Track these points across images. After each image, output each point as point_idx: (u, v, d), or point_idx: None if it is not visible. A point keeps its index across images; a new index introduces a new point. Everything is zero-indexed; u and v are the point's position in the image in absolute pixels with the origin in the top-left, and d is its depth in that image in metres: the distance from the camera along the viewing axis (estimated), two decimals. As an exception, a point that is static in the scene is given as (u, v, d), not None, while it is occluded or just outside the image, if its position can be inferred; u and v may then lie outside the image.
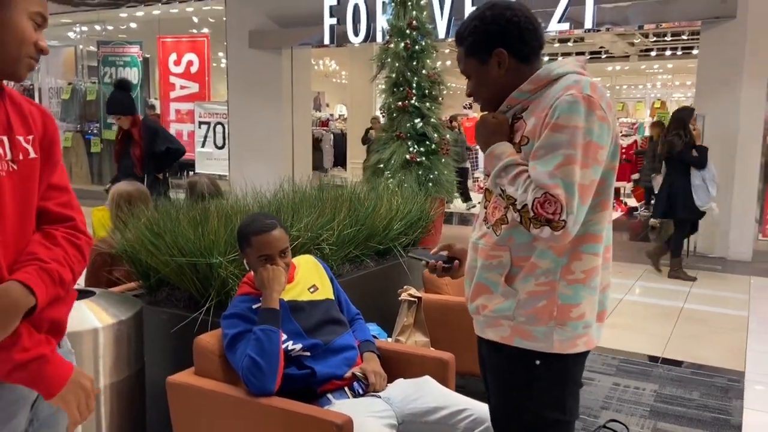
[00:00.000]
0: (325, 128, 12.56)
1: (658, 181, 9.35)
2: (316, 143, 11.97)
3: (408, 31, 5.13)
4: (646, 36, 14.06)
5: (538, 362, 1.45)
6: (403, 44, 5.13)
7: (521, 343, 1.45)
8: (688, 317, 4.69)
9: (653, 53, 16.01)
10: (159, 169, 4.99)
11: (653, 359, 3.80)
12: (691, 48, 14.12)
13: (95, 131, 11.03)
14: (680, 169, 5.60)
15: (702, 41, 6.83)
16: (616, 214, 9.93)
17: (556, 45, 14.90)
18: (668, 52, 15.72)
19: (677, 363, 3.75)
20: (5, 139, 1.18)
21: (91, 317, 1.99)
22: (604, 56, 17.03)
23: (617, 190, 10.65)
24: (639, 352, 3.92)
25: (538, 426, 1.49)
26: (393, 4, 5.33)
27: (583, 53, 16.34)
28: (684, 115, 5.65)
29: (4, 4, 1.15)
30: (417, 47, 5.15)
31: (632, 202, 10.33)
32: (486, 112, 1.53)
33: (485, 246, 1.50)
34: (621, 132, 11.60)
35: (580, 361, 1.51)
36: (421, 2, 5.30)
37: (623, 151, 10.69)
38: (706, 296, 5.29)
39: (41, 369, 1.14)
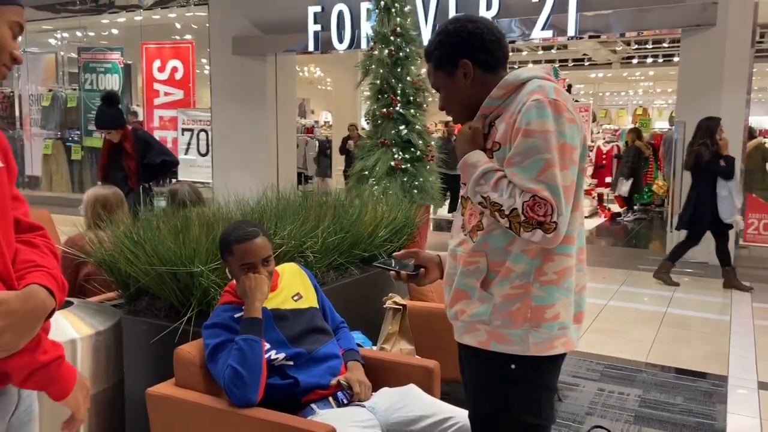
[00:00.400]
0: (309, 135, 12.53)
1: (621, 184, 9.45)
2: (323, 149, 11.90)
3: (392, 38, 5.13)
4: (628, 44, 14.25)
5: (513, 366, 1.46)
6: (387, 51, 5.13)
7: (498, 347, 1.47)
8: (671, 322, 4.73)
9: (635, 61, 16.23)
10: (149, 179, 4.96)
11: (637, 364, 3.82)
12: (672, 55, 14.34)
13: (76, 138, 10.90)
14: (707, 180, 5.43)
15: (682, 49, 6.92)
16: (600, 221, 10.01)
17: (540, 52, 15.04)
18: (649, 60, 15.95)
19: (661, 368, 3.78)
20: None
21: (69, 328, 1.95)
22: (587, 63, 17.23)
23: (600, 196, 10.73)
24: (623, 357, 3.93)
25: (516, 431, 1.50)
26: (377, 10, 5.33)
27: (566, 60, 16.54)
28: (711, 125, 5.46)
29: None
30: (401, 54, 5.15)
31: (616, 207, 10.41)
32: (466, 127, 1.55)
33: (463, 253, 1.52)
34: (604, 138, 11.72)
35: (557, 365, 1.52)
36: (405, 9, 5.31)
37: (603, 156, 10.79)
38: (689, 301, 5.34)
39: (58, 370, 1.17)
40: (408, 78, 5.20)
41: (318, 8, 8.20)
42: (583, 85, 21.13)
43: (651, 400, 3.27)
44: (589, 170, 10.49)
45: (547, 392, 1.51)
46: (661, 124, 17.39)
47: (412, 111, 5.20)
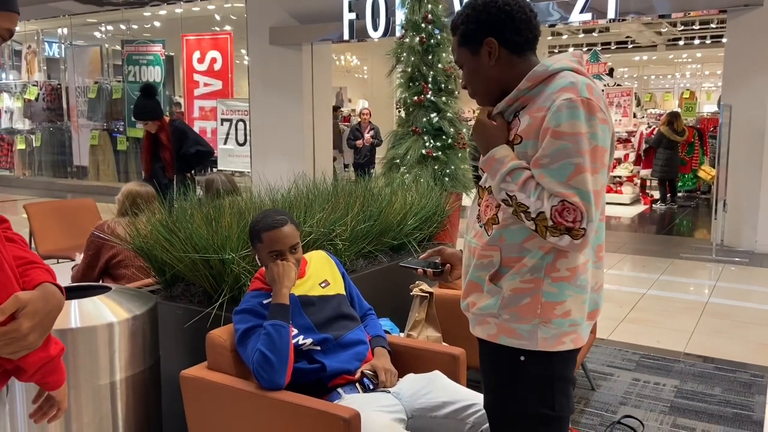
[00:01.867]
0: (346, 123, 12.57)
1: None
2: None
3: (423, 25, 5.10)
4: (674, 25, 13.77)
5: (522, 358, 1.45)
6: (418, 38, 5.10)
7: (506, 340, 1.46)
8: (712, 312, 4.60)
9: (681, 42, 15.68)
10: (185, 170, 5.07)
11: (675, 354, 3.74)
12: (721, 36, 13.78)
13: (121, 129, 11.23)
14: None
15: (728, 30, 6.66)
16: (642, 207, 9.76)
17: (581, 35, 14.69)
18: (697, 41, 15.38)
19: (700, 358, 3.69)
20: None
21: (107, 312, 2.03)
22: (630, 46, 16.73)
23: (643, 183, 10.44)
24: (660, 347, 3.86)
25: (528, 421, 1.49)
26: (408, -3, 5.31)
27: (608, 43, 16.10)
28: None
29: None
30: (432, 41, 5.11)
31: (657, 194, 10.13)
32: (483, 113, 1.50)
33: (477, 245, 1.50)
34: (647, 124, 11.38)
35: (570, 358, 1.50)
36: (437, -5, 5.27)
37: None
38: (732, 290, 5.18)
39: (59, 362, 1.20)
40: (439, 65, 5.16)
41: (353, -4, 8.21)
42: (626, 69, 20.53)
43: (687, 391, 3.21)
44: (632, 156, 10.24)
45: (561, 383, 1.48)
46: (709, 108, 16.79)
47: (443, 98, 5.15)
